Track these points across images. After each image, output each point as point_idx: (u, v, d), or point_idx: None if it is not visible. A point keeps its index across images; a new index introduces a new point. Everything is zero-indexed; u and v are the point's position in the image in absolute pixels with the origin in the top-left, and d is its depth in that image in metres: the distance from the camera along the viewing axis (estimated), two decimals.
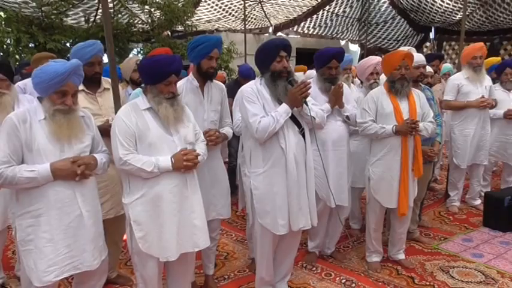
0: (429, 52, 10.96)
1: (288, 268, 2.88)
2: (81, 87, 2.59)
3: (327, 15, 11.58)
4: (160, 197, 2.15)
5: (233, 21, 10.88)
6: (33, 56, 3.99)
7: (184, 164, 2.16)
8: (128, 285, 3.04)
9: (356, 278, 3.11)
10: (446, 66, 6.04)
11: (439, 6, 9.86)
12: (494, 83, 4.56)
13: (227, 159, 4.90)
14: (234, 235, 4.01)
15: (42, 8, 7.34)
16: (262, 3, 10.41)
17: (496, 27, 9.74)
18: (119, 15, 8.48)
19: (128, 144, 2.12)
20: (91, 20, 8.17)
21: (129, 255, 2.49)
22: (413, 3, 10.40)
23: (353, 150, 3.34)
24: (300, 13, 11.28)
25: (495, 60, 5.56)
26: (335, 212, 3.15)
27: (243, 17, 9.20)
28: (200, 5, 9.63)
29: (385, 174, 3.01)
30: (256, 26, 11.60)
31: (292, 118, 2.52)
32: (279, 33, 11.69)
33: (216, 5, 9.92)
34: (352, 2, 11.26)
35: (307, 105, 2.51)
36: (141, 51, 9.50)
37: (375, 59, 3.66)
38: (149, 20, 8.84)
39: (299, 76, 4.34)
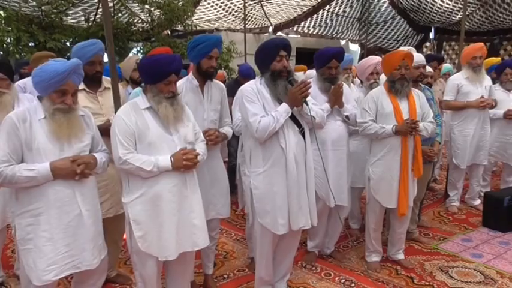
0: (429, 52, 10.96)
1: (287, 268, 2.88)
2: (81, 86, 2.59)
3: (327, 15, 11.58)
4: (159, 197, 2.15)
5: (233, 20, 10.87)
6: (32, 55, 3.99)
7: (184, 163, 2.16)
8: (127, 285, 3.04)
9: (355, 278, 3.11)
10: (446, 66, 6.04)
11: (439, 6, 9.87)
12: (494, 83, 4.57)
13: (227, 159, 4.90)
14: (234, 234, 4.01)
15: (42, 7, 7.34)
16: (262, 2, 10.41)
17: (496, 28, 9.75)
18: (119, 15, 8.47)
19: (127, 143, 2.12)
20: (91, 19, 8.16)
21: (128, 254, 2.49)
22: (413, 3, 10.40)
23: (353, 150, 3.34)
24: (300, 13, 11.28)
25: (495, 60, 5.57)
26: (335, 212, 3.15)
27: (243, 16, 9.20)
28: (200, 4, 9.62)
29: (385, 174, 3.01)
30: (256, 26, 11.60)
31: (292, 118, 2.52)
32: (279, 33, 11.69)
33: (216, 4, 9.92)
34: (352, 2, 11.26)
35: (307, 104, 2.51)
36: (141, 51, 9.49)
37: (375, 59, 3.66)
38: (149, 19, 8.84)
39: (299, 76, 4.34)
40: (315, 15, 11.46)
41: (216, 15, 10.40)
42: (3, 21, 7.14)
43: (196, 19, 9.93)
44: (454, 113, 4.46)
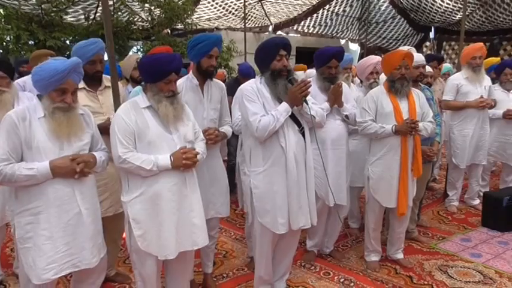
0: (429, 52, 10.96)
1: (286, 267, 2.89)
2: (82, 85, 2.59)
3: (327, 14, 11.57)
4: (159, 196, 2.15)
5: (233, 19, 10.86)
6: (32, 54, 3.99)
7: (184, 162, 2.15)
8: (127, 283, 3.04)
9: (354, 277, 3.11)
10: (446, 66, 6.04)
11: (439, 6, 9.86)
12: (493, 83, 4.57)
13: (226, 158, 4.90)
14: (233, 233, 4.01)
15: (42, 6, 7.32)
16: (262, 1, 10.40)
17: (495, 28, 9.74)
18: (119, 13, 8.45)
19: (127, 142, 2.12)
20: (91, 17, 8.15)
21: (127, 253, 2.49)
22: (413, 2, 10.40)
23: (352, 149, 3.35)
24: (300, 12, 11.28)
25: (494, 60, 5.56)
26: (334, 211, 3.15)
27: (243, 15, 9.19)
28: (200, 3, 9.61)
29: (385, 173, 3.01)
30: (256, 25, 11.59)
31: (292, 117, 2.52)
32: (279, 32, 11.69)
33: (216, 3, 9.91)
34: (352, 1, 11.25)
35: (307, 104, 2.51)
36: (141, 49, 9.48)
37: (375, 59, 3.66)
38: (149, 18, 8.82)
39: (300, 75, 4.34)
40: (315, 15, 11.45)
41: (216, 14, 10.39)
42: (3, 20, 7.13)
43: (196, 18, 9.92)
44: (454, 113, 4.46)
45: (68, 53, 7.16)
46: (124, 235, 2.47)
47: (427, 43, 11.91)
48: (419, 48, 11.13)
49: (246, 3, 8.92)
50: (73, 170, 2.01)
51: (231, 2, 10.06)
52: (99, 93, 2.73)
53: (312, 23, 11.90)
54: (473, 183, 4.62)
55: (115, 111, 2.44)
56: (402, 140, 2.96)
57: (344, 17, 11.92)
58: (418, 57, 3.45)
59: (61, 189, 2.02)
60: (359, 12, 11.87)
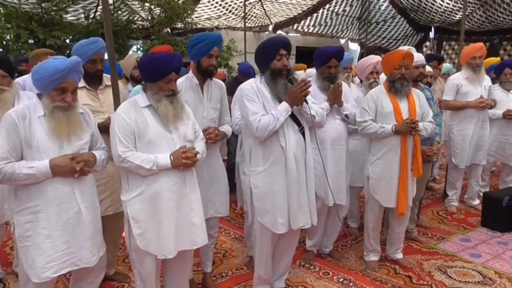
0: (429, 52, 10.96)
1: (286, 266, 2.89)
2: (82, 84, 2.59)
3: (327, 14, 11.57)
4: (158, 195, 2.15)
5: (233, 19, 10.85)
6: (31, 52, 3.98)
7: (183, 161, 2.15)
8: (126, 282, 3.04)
9: (354, 277, 3.11)
10: (446, 66, 6.04)
11: (439, 5, 9.86)
12: (493, 83, 4.57)
13: (226, 157, 4.90)
14: (232, 233, 4.01)
15: (42, 4, 7.31)
16: (262, 1, 10.39)
17: (495, 28, 9.74)
18: (119, 12, 8.44)
19: (126, 141, 2.12)
20: (91, 16, 8.14)
21: (127, 252, 2.49)
22: (413, 2, 10.40)
23: (352, 149, 3.35)
24: (300, 11, 11.27)
25: (494, 60, 5.57)
26: (333, 211, 3.15)
27: (243, 14, 9.18)
28: (200, 2, 9.60)
29: (384, 173, 3.01)
30: (256, 24, 11.59)
31: (292, 117, 2.52)
32: (279, 32, 11.67)
33: (216, 2, 9.90)
34: (352, 1, 11.25)
35: (307, 103, 2.51)
36: (141, 48, 9.48)
37: (375, 58, 3.66)
38: (149, 17, 8.81)
39: (300, 74, 4.34)
40: (315, 14, 11.45)
41: (216, 13, 10.39)
42: (3, 18, 7.10)
43: (196, 17, 9.91)
44: (453, 113, 4.46)
45: (68, 52, 7.15)
46: (123, 234, 2.47)
47: (427, 43, 11.91)
48: (419, 48, 11.13)
49: (246, 3, 8.91)
50: (73, 169, 2.01)
51: (231, 1, 10.05)
52: (100, 92, 2.73)
53: (312, 22, 11.90)
54: (473, 184, 4.62)
55: (115, 110, 2.44)
56: (402, 140, 2.96)
57: (344, 17, 11.92)
58: (418, 57, 3.45)
59: (61, 188, 2.02)
60: (359, 11, 11.87)
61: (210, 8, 10.10)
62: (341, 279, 3.09)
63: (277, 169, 2.50)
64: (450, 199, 4.61)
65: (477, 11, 9.44)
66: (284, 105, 2.45)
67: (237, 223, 4.24)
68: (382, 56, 3.46)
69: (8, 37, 7.13)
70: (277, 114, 2.42)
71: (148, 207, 2.16)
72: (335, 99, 3.02)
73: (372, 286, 3.00)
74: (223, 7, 10.19)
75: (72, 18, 8.26)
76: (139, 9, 8.71)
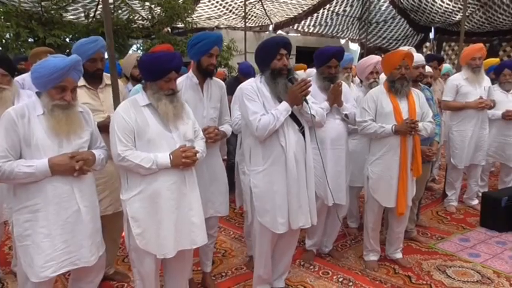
0: (429, 52, 10.97)
1: (285, 266, 2.89)
2: (82, 82, 2.58)
3: (327, 14, 11.58)
4: (158, 194, 2.15)
5: (233, 18, 10.86)
6: (31, 51, 3.98)
7: (183, 161, 2.15)
8: (125, 282, 3.04)
9: (353, 277, 3.11)
10: (446, 66, 6.04)
11: (439, 6, 9.87)
12: (493, 83, 4.57)
13: (226, 157, 4.90)
14: (232, 232, 4.01)
15: (42, 3, 7.30)
16: (262, 1, 10.40)
17: (495, 29, 9.76)
18: (119, 11, 8.44)
19: (126, 140, 2.12)
20: (91, 15, 8.14)
21: (126, 251, 2.49)
22: (413, 3, 10.41)
23: (352, 149, 3.35)
24: (301, 11, 11.28)
25: (494, 61, 5.57)
26: (333, 211, 3.16)
27: (243, 14, 9.19)
28: (201, 2, 9.61)
29: (384, 173, 3.02)
30: (257, 24, 11.59)
31: (292, 116, 2.52)
32: (279, 32, 11.68)
33: (217, 2, 9.91)
34: (352, 1, 11.25)
35: (307, 103, 2.51)
36: (141, 48, 9.47)
37: (375, 58, 3.67)
38: (149, 17, 8.81)
39: (300, 74, 4.34)
40: (315, 14, 11.46)
41: (216, 13, 10.39)
42: (2, 17, 7.10)
43: (197, 17, 9.91)
44: (453, 114, 4.47)
45: (68, 51, 7.14)
46: (123, 233, 2.47)
47: (427, 43, 11.92)
48: (419, 49, 11.14)
49: (247, 3, 8.92)
50: (72, 168, 2.00)
51: (232, 1, 10.06)
52: (100, 91, 2.73)
53: (312, 22, 11.91)
54: (472, 184, 4.63)
55: (115, 109, 2.44)
56: (402, 140, 2.96)
57: (344, 17, 11.93)
58: (418, 58, 3.45)
59: (60, 186, 2.01)
60: (359, 12, 11.88)
61: (210, 8, 10.10)
62: (340, 279, 3.09)
63: (277, 169, 2.50)
64: (449, 199, 4.61)
65: (477, 12, 9.46)
66: (284, 105, 2.45)
67: (236, 223, 4.24)
68: (382, 56, 3.46)
69: (7, 36, 7.12)
70: (277, 113, 2.42)
71: (148, 207, 2.16)
72: (335, 99, 3.02)
73: (371, 286, 3.00)
74: (224, 7, 10.20)
75: (72, 17, 8.25)
76: (140, 8, 8.71)
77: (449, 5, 9.60)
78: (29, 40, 7.34)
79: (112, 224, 2.78)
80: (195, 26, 9.45)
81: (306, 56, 6.99)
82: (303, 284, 3.04)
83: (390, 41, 12.46)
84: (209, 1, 9.77)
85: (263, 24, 11.64)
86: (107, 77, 2.78)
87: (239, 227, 4.07)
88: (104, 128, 2.39)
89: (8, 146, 1.95)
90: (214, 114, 2.75)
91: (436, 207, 4.68)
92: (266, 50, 2.52)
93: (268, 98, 2.50)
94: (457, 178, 4.52)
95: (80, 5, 8.04)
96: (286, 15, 11.48)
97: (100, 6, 7.74)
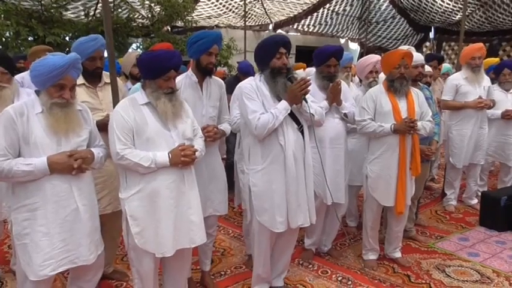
0: (429, 52, 10.97)
1: (284, 265, 2.89)
2: (81, 81, 2.58)
3: (327, 13, 11.58)
4: (157, 193, 2.15)
5: (233, 17, 10.86)
6: (30, 49, 3.98)
7: (182, 159, 2.15)
8: (124, 281, 3.03)
9: (352, 276, 3.12)
10: (446, 66, 6.04)
11: (439, 6, 9.87)
12: (492, 83, 4.57)
13: (225, 156, 4.90)
14: (231, 231, 4.01)
15: (42, 1, 7.30)
16: (262, 0, 10.39)
17: (495, 28, 9.76)
18: (119, 10, 8.44)
19: (125, 138, 2.11)
20: (91, 14, 8.14)
21: (125, 250, 2.49)
22: (413, 2, 10.41)
23: (351, 148, 3.35)
24: (300, 11, 11.28)
25: (493, 61, 5.57)
26: (332, 210, 3.16)
27: (243, 13, 9.19)
28: (200, 0, 9.61)
29: (383, 172, 3.02)
30: (257, 23, 11.59)
31: (291, 115, 2.51)
32: (279, 31, 11.68)
33: (217, 0, 9.90)
34: (352, 1, 11.26)
35: (306, 102, 2.51)
36: (141, 46, 9.47)
37: (374, 58, 3.67)
38: (149, 15, 8.81)
39: (300, 73, 4.34)
40: (315, 14, 11.46)
41: (216, 12, 10.39)
42: (2, 15, 7.09)
43: (197, 15, 9.91)
44: (452, 113, 4.47)
45: (67, 49, 7.14)
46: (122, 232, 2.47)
47: (427, 43, 11.93)
48: (419, 48, 11.14)
49: (247, 1, 8.92)
50: (70, 166, 2.00)
51: (232, 0, 10.05)
52: (99, 89, 2.73)
53: (312, 22, 11.91)
54: (471, 183, 4.63)
55: (114, 107, 2.43)
56: (401, 139, 2.96)
57: (344, 16, 11.93)
58: (417, 57, 3.45)
59: (58, 185, 2.01)
60: (359, 11, 11.88)
61: (210, 7, 10.10)
62: (339, 278, 3.09)
63: (276, 167, 2.50)
64: (448, 198, 4.61)
65: (477, 11, 9.46)
66: (283, 104, 2.45)
67: (235, 221, 4.24)
68: (382, 55, 3.46)
69: (7, 34, 7.11)
70: (277, 112, 2.42)
71: (147, 205, 2.15)
72: (334, 98, 3.02)
73: (370, 285, 3.00)
74: (224, 5, 10.20)
75: (72, 15, 8.25)
76: (140, 7, 8.70)
77: (449, 4, 9.61)
78: (29, 38, 7.33)
79: (111, 223, 2.77)
80: (194, 25, 9.45)
81: (306, 56, 6.99)
82: (302, 283, 3.04)
83: (390, 41, 12.46)
84: (209, 0, 9.77)
85: (263, 23, 11.63)
86: (106, 76, 2.77)
87: (238, 226, 4.07)
88: (102, 126, 2.39)
89: (6, 144, 1.95)
90: (213, 113, 2.75)
91: (435, 207, 4.68)
92: (265, 48, 2.51)
93: (268, 97, 2.50)
94: (456, 177, 4.52)
95: (79, 3, 8.04)
96: (286, 14, 11.48)
97: (100, 4, 7.73)
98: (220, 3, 10.07)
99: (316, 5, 11.03)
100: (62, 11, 7.79)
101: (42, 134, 1.99)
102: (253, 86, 2.51)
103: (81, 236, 2.08)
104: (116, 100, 2.63)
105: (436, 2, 9.82)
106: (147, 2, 8.44)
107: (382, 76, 3.44)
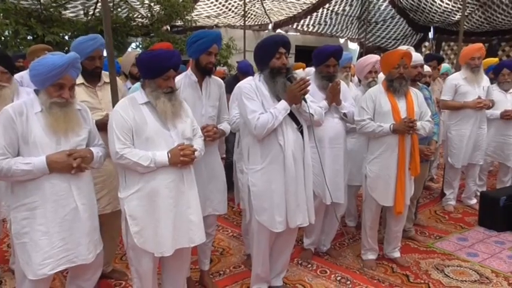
0: (428, 52, 10.98)
1: (283, 264, 2.89)
2: (81, 80, 2.58)
3: (326, 13, 11.58)
4: (156, 192, 2.15)
5: (233, 17, 10.85)
6: (29, 48, 3.98)
7: (181, 159, 2.15)
8: (123, 280, 3.03)
9: (351, 276, 3.12)
10: (445, 66, 6.04)
11: (439, 6, 9.88)
12: (491, 83, 4.58)
13: (224, 155, 4.90)
14: (230, 231, 4.01)
15: (41, 0, 7.30)
16: None
17: (494, 28, 9.77)
18: (118, 9, 8.44)
19: (124, 138, 2.11)
20: (90, 13, 8.13)
21: (124, 249, 2.49)
22: (412, 2, 10.42)
23: (350, 148, 3.35)
24: (300, 10, 11.28)
25: (493, 61, 5.57)
26: (331, 209, 3.16)
27: (242, 13, 9.18)
28: (200, 0, 9.60)
29: (382, 172, 3.02)
30: (256, 23, 11.58)
31: (291, 115, 2.51)
32: (279, 30, 11.68)
33: (216, 0, 9.90)
34: (351, 1, 11.27)
35: (306, 102, 2.51)
36: (140, 46, 9.47)
37: (374, 58, 3.67)
38: (148, 15, 8.81)
39: (300, 73, 4.34)
40: (315, 13, 11.47)
41: (215, 11, 10.39)
42: (1, 14, 7.08)
43: (196, 15, 9.90)
44: (451, 113, 4.48)
45: (66, 48, 7.14)
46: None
47: (426, 43, 11.94)
48: (418, 48, 11.16)
49: (246, 1, 8.91)
50: (70, 165, 2.00)
51: (231, 0, 10.05)
52: (98, 89, 2.72)
53: (312, 21, 11.91)
54: (470, 183, 4.63)
55: (113, 107, 2.43)
56: (400, 139, 2.96)
57: (344, 16, 11.93)
58: (417, 57, 3.45)
59: (58, 184, 2.01)
60: (359, 11, 11.89)
61: (209, 6, 10.10)
62: (338, 278, 3.09)
63: (276, 167, 2.50)
64: (447, 198, 4.62)
65: (476, 11, 9.47)
66: (283, 104, 2.45)
67: (234, 221, 4.24)
68: (381, 55, 3.46)
69: (6, 33, 7.11)
70: (276, 112, 2.42)
71: (146, 205, 2.15)
72: (333, 97, 3.02)
73: (369, 284, 3.00)
74: (223, 5, 10.19)
75: (71, 14, 8.25)
76: (139, 6, 8.70)
77: (448, 4, 9.62)
78: (28, 38, 7.33)
79: (110, 223, 2.77)
80: (194, 25, 9.45)
81: (305, 55, 6.99)
82: (301, 282, 3.04)
83: (389, 41, 12.47)
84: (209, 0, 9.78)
85: (262, 22, 11.63)
86: (105, 75, 2.77)
87: (237, 226, 4.07)
88: (102, 126, 2.38)
89: (6, 143, 1.95)
90: (212, 113, 2.75)
91: (434, 207, 4.68)
92: (265, 48, 2.51)
93: (267, 96, 2.50)
94: (455, 177, 4.53)
95: (79, 2, 8.04)
96: (286, 14, 11.48)
97: (99, 4, 7.72)
98: (220, 3, 10.07)
99: (315, 5, 11.04)
100: (61, 10, 7.79)
101: (42, 133, 1.99)
102: (253, 85, 2.51)
103: (80, 235, 2.08)
104: (115, 99, 2.62)
105: (436, 2, 9.83)
106: (146, 2, 8.44)
107: (381, 76, 3.45)
